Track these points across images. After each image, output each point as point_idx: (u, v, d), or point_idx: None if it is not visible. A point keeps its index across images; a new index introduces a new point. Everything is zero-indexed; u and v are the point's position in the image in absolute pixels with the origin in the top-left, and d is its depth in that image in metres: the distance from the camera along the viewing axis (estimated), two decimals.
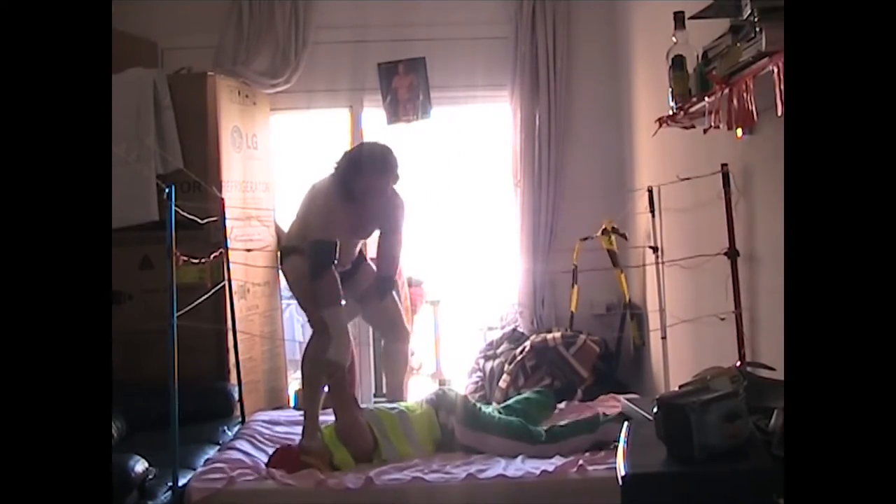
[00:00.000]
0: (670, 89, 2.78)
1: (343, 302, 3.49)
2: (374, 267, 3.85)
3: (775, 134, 2.41)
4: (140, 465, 2.81)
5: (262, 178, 4.59)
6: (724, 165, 2.91)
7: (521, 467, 3.09)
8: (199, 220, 3.61)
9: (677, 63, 2.72)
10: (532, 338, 4.53)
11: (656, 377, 4.13)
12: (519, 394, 4.13)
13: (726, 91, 2.25)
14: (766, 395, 2.02)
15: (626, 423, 2.22)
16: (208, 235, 3.85)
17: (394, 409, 3.51)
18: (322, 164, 3.83)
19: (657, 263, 3.93)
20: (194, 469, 3.15)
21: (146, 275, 4.04)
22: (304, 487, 3.01)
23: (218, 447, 3.46)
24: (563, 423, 3.51)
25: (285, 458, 3.24)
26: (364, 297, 3.79)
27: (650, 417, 1.96)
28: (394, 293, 3.91)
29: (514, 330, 4.89)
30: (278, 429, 3.74)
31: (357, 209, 3.61)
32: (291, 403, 4.70)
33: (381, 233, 3.76)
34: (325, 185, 3.70)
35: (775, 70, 1.88)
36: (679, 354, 3.73)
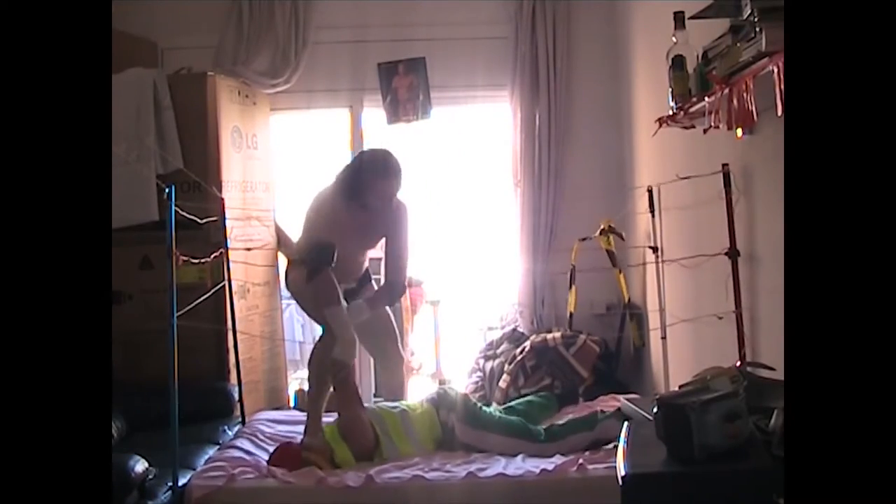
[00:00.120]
0: (670, 89, 2.78)
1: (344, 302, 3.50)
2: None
3: (775, 134, 2.41)
4: (140, 465, 2.81)
5: (262, 178, 4.59)
6: (724, 165, 2.91)
7: (521, 466, 3.09)
8: (199, 220, 3.61)
9: (677, 63, 2.71)
10: (532, 338, 4.53)
11: (656, 377, 4.13)
12: (519, 394, 4.14)
13: (726, 91, 2.25)
14: (766, 395, 2.02)
15: (626, 423, 2.22)
16: (208, 235, 3.85)
17: (395, 407, 3.52)
18: (322, 165, 3.85)
19: (657, 263, 3.93)
20: (194, 469, 3.14)
21: (146, 275, 4.03)
22: (305, 485, 3.01)
23: (218, 447, 3.46)
24: (561, 421, 3.51)
25: (286, 455, 3.24)
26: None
27: (650, 417, 1.96)
28: (389, 312, 3.93)
29: (514, 330, 4.89)
30: (279, 427, 3.75)
31: (361, 216, 3.63)
32: (291, 403, 4.70)
33: (386, 239, 3.78)
34: (327, 193, 3.72)
35: (775, 70, 1.88)
36: (679, 354, 3.73)
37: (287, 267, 3.94)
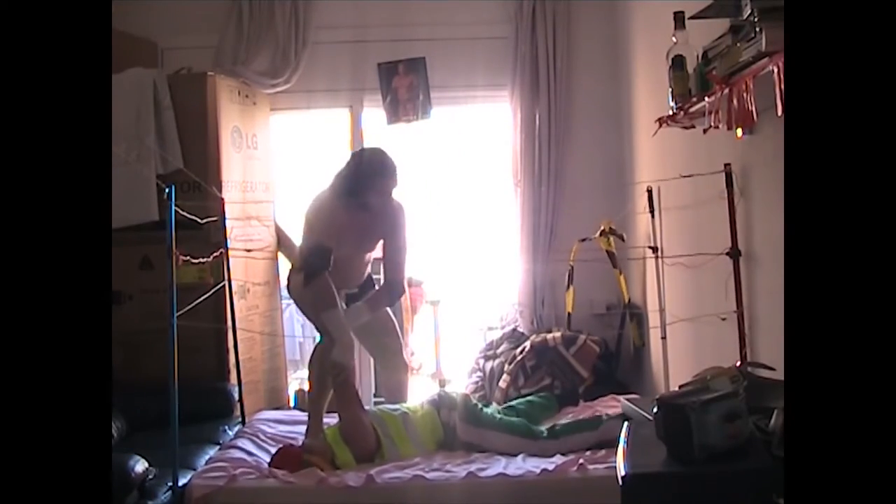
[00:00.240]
0: (670, 89, 2.78)
1: (343, 306, 3.51)
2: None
3: (775, 134, 2.41)
4: (140, 465, 2.81)
5: (262, 178, 4.59)
6: (727, 165, 2.91)
7: (522, 466, 3.09)
8: (199, 220, 3.61)
9: (677, 63, 2.72)
10: (532, 338, 4.53)
11: (656, 377, 4.13)
12: (519, 394, 4.14)
13: (726, 91, 2.25)
14: (766, 395, 2.02)
15: (626, 423, 2.22)
16: (208, 235, 3.85)
17: (396, 410, 3.51)
18: (322, 165, 3.85)
19: (657, 263, 3.93)
20: (194, 469, 3.15)
21: (146, 275, 4.04)
22: (306, 485, 3.02)
23: (218, 447, 3.46)
24: (564, 421, 3.51)
25: (287, 457, 3.24)
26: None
27: (650, 417, 1.96)
28: (390, 312, 3.93)
29: (514, 330, 4.89)
30: (280, 428, 3.75)
31: (359, 217, 3.63)
32: (292, 403, 4.70)
33: (384, 240, 3.78)
34: (325, 196, 3.72)
35: (775, 70, 1.88)
36: (679, 354, 3.73)
37: (289, 272, 3.94)
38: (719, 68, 2.31)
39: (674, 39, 2.73)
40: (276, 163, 4.86)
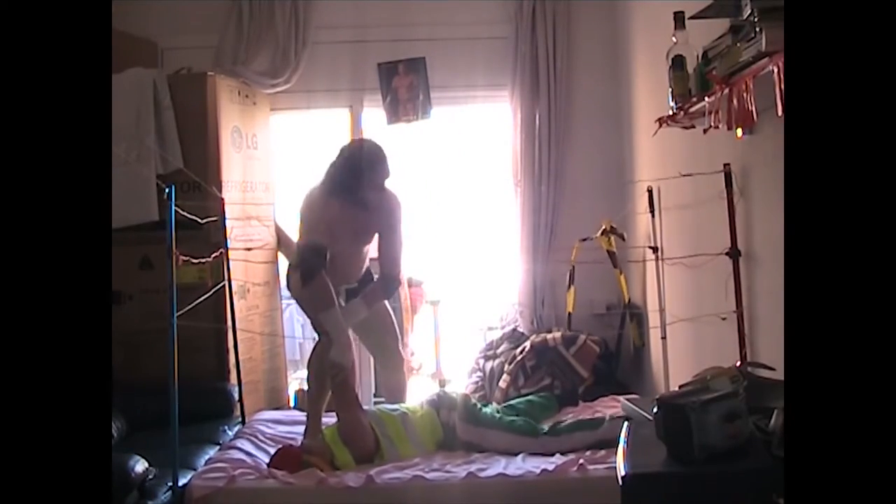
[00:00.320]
0: (670, 89, 2.78)
1: (341, 303, 3.50)
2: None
3: (775, 134, 2.41)
4: (140, 465, 2.81)
5: (262, 178, 4.59)
6: (726, 165, 2.91)
7: (522, 466, 3.09)
8: (199, 220, 3.62)
9: (677, 63, 2.71)
10: (532, 338, 4.53)
11: (656, 377, 4.13)
12: (519, 394, 4.14)
13: (726, 91, 2.25)
14: (766, 395, 2.02)
15: (626, 423, 2.22)
16: (208, 235, 3.85)
17: (395, 410, 3.51)
18: (322, 165, 3.84)
19: (657, 262, 3.93)
20: (194, 469, 3.15)
21: (146, 275, 4.04)
22: (305, 486, 3.02)
23: (218, 447, 3.46)
24: (565, 420, 3.51)
25: (287, 458, 3.24)
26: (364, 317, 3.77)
27: (650, 417, 1.96)
28: (390, 310, 3.93)
29: (514, 330, 4.89)
30: (280, 428, 3.75)
31: (353, 211, 3.62)
32: (291, 403, 4.70)
33: (379, 234, 3.77)
34: (317, 192, 3.71)
35: (775, 70, 1.88)
36: (679, 354, 3.73)
37: (288, 270, 3.95)
38: (719, 68, 2.31)
39: (674, 39, 2.73)
40: (276, 163, 4.86)
